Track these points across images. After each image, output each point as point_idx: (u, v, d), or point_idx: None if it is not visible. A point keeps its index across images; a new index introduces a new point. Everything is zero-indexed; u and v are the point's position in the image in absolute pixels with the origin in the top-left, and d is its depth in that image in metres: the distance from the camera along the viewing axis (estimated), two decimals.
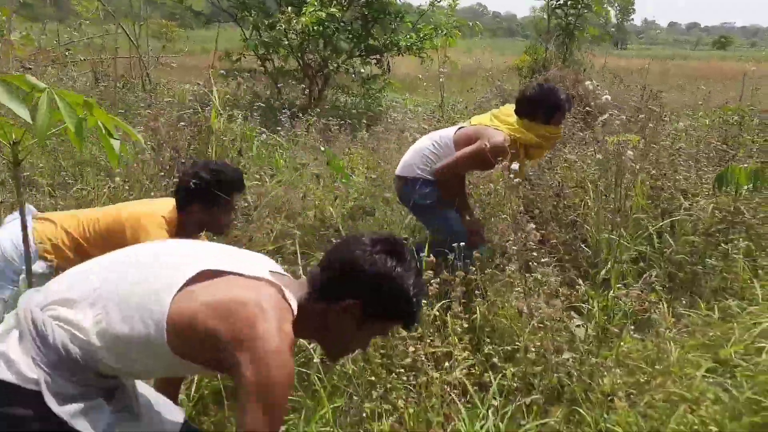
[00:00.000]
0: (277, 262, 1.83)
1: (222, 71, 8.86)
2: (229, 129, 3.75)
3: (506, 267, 3.11)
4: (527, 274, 3.16)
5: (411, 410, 2.56)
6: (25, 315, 1.51)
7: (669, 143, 4.42)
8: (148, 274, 1.57)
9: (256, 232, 3.16)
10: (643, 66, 21.94)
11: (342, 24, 8.24)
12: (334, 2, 7.80)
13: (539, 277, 3.05)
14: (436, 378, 2.68)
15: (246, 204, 3.35)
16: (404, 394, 2.61)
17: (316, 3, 7.38)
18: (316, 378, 2.63)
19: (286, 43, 7.60)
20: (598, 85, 6.77)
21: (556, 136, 3.80)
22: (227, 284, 1.54)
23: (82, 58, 10.20)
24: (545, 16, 9.12)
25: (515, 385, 2.66)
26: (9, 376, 1.45)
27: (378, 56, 9.07)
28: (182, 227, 2.93)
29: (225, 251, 1.74)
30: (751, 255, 3.66)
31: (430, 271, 2.86)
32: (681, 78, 16.47)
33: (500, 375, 2.71)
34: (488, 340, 3.01)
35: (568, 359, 2.79)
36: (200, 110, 3.84)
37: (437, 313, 2.94)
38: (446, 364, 2.77)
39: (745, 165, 3.97)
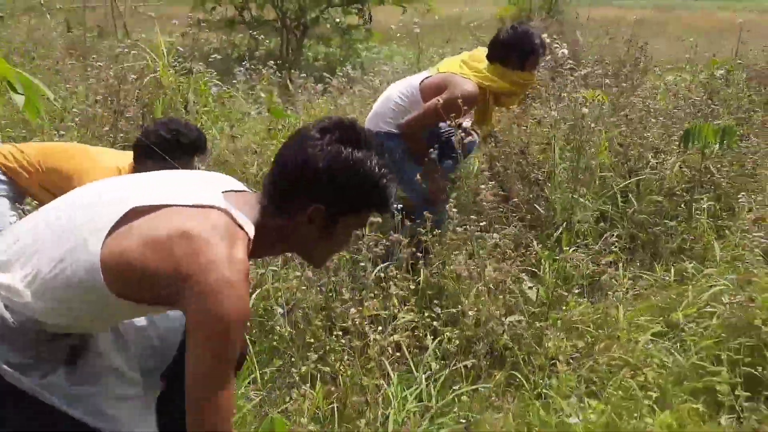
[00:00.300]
0: None
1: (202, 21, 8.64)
2: (180, 83, 3.60)
3: (457, 228, 3.01)
4: (486, 234, 3.08)
5: (349, 373, 2.51)
6: None
7: (640, 99, 4.27)
8: (77, 217, 1.42)
9: None
10: (639, 17, 21.50)
11: None
12: None
13: (488, 238, 2.97)
14: (377, 340, 2.62)
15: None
16: (342, 357, 2.55)
17: None
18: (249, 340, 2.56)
19: None
20: (580, 37, 6.60)
21: (529, 82, 3.65)
22: (166, 217, 1.37)
23: (59, 7, 9.94)
24: None
25: (454, 349, 2.59)
26: None
27: (359, 6, 8.80)
28: None
29: (169, 180, 1.55)
30: (716, 216, 3.57)
31: None
32: (679, 29, 16.10)
33: (440, 339, 2.64)
34: (436, 302, 2.93)
35: (510, 323, 2.73)
36: (151, 63, 3.69)
37: (382, 275, 2.86)
38: (389, 327, 2.71)
39: (719, 122, 3.87)
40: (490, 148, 4.01)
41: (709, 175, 3.70)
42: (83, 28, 8.10)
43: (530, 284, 3.02)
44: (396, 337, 2.58)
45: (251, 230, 1.44)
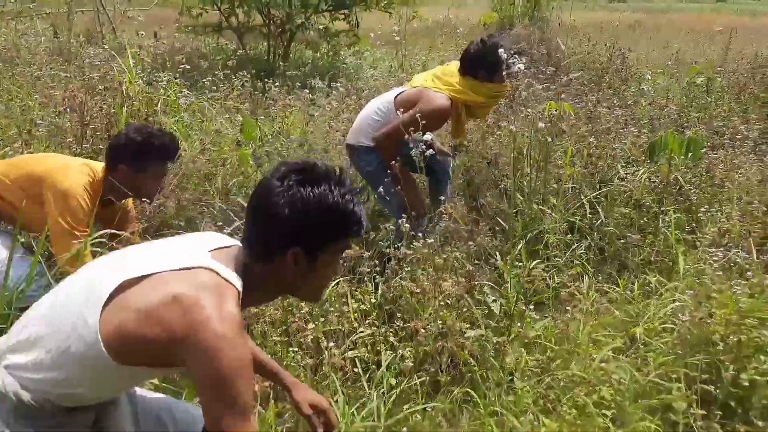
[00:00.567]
0: None
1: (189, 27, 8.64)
2: (148, 93, 3.59)
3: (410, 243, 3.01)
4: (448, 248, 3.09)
5: None
6: None
7: (607, 109, 4.28)
8: (76, 295, 1.51)
9: (167, 201, 3.05)
10: (632, 21, 21.53)
11: None
12: None
13: (451, 253, 2.97)
14: (335, 356, 2.62)
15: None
16: (297, 374, 2.55)
17: None
18: None
19: None
20: (561, 44, 6.61)
21: (500, 93, 3.71)
22: (156, 285, 1.44)
23: (47, 11, 9.92)
24: None
25: (411, 364, 2.59)
26: None
27: (346, 11, 8.78)
28: (109, 189, 2.86)
29: (158, 248, 1.62)
30: (683, 228, 3.57)
31: None
32: (671, 33, 16.12)
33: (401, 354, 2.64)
34: (399, 316, 2.93)
35: (470, 337, 2.73)
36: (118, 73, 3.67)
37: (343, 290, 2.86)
38: (347, 342, 2.71)
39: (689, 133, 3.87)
40: (462, 159, 4.02)
41: (678, 187, 3.70)
42: (69, 33, 8.04)
43: (493, 297, 3.01)
44: (352, 352, 2.58)
45: (239, 283, 1.50)
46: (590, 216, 3.63)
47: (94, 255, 2.63)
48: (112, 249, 2.52)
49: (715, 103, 6.04)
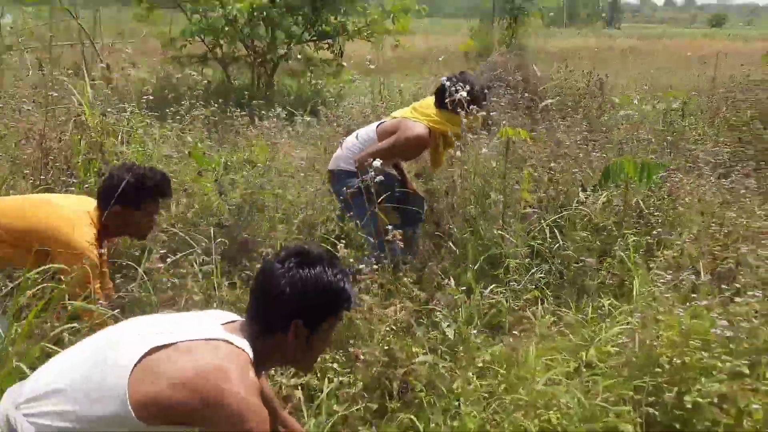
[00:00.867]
0: None
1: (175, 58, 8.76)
2: (105, 124, 3.64)
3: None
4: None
5: None
6: (1, 411, 1.64)
7: (564, 135, 4.33)
8: (104, 355, 1.67)
9: None
10: (621, 48, 21.72)
11: (288, 9, 8.08)
12: None
13: (402, 278, 2.98)
14: (282, 384, 2.63)
15: None
16: None
17: None
18: None
19: (226, 29, 7.46)
20: (537, 70, 6.68)
21: (473, 124, 3.79)
22: (183, 354, 1.64)
23: (34, 46, 10.04)
24: None
25: (353, 391, 2.58)
26: None
27: (330, 41, 8.92)
28: (104, 232, 2.87)
29: (173, 319, 1.84)
30: (639, 250, 3.57)
31: None
32: (661, 59, 16.27)
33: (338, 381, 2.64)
34: (352, 342, 2.93)
35: (419, 363, 2.73)
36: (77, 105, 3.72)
37: None
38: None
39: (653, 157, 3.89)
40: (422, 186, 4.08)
41: (638, 210, 3.72)
42: (53, 66, 8.15)
43: (447, 323, 3.02)
44: (294, 380, 2.58)
45: (251, 353, 1.72)
46: (550, 240, 3.64)
47: None
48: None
49: (688, 127, 6.09)
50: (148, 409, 1.58)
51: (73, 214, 2.78)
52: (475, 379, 2.79)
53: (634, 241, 3.45)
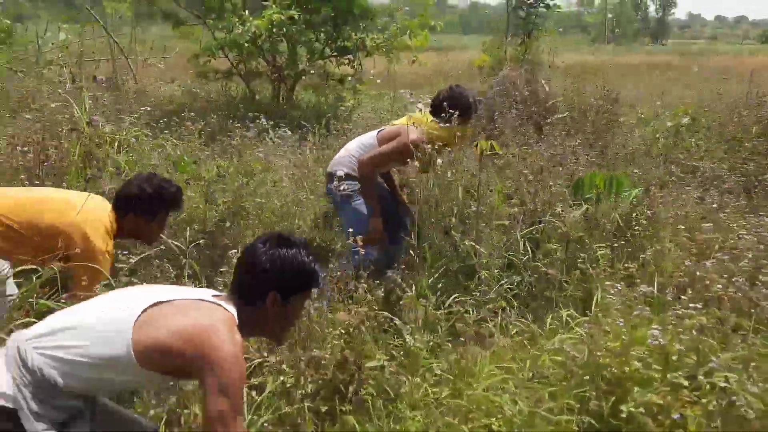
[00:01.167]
0: None
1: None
2: (102, 134, 3.86)
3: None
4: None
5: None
6: (11, 345, 1.87)
7: (542, 148, 4.38)
8: (113, 305, 1.98)
9: None
10: (656, 63, 21.39)
11: (308, 26, 8.29)
12: (295, 5, 7.84)
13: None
14: None
15: None
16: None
17: (274, 6, 7.45)
18: None
19: (246, 45, 7.69)
20: (545, 85, 6.72)
21: (466, 133, 4.15)
22: (183, 311, 1.95)
23: (74, 60, 10.49)
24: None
25: (300, 391, 2.68)
26: None
27: (350, 57, 9.08)
28: (118, 233, 3.06)
29: (172, 287, 2.18)
30: (603, 262, 3.58)
31: None
32: (692, 75, 16.03)
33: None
34: (315, 345, 3.03)
35: (369, 368, 2.81)
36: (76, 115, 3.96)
37: None
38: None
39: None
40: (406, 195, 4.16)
41: (615, 223, 3.74)
42: (85, 80, 8.54)
43: (408, 331, 3.09)
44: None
45: (237, 319, 2.02)
46: (523, 252, 3.69)
47: None
48: None
49: (694, 142, 6.06)
50: (147, 353, 1.85)
51: (93, 218, 2.93)
52: (425, 385, 2.87)
53: (602, 253, 3.47)
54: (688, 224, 3.73)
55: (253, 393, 2.73)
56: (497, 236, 3.80)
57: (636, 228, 3.79)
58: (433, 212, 4.07)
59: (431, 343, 3.06)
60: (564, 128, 6.08)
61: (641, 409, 2.41)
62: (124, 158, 3.85)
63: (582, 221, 3.60)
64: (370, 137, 4.09)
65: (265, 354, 2.92)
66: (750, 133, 5.65)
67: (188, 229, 3.63)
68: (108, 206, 3.08)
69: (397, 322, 3.07)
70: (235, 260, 2.31)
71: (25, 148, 3.66)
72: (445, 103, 3.94)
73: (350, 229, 3.35)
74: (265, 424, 2.60)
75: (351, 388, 2.83)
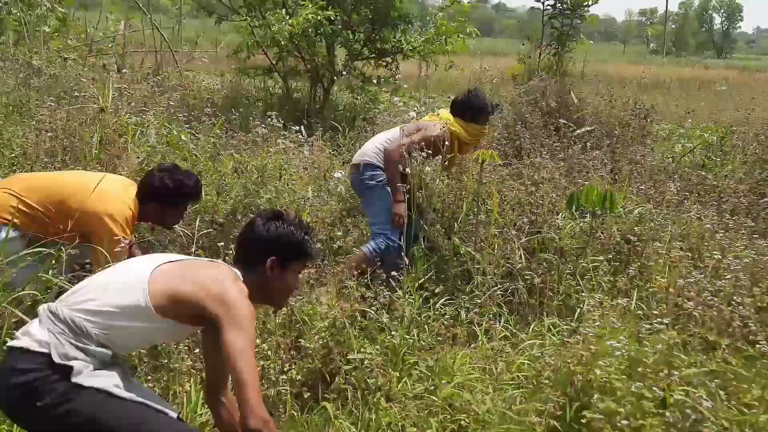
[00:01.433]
0: None
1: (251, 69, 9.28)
2: (124, 121, 4.12)
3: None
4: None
5: None
6: (43, 308, 2.10)
7: (539, 161, 4.49)
8: (131, 267, 2.27)
9: None
10: (709, 78, 20.93)
11: (347, 27, 8.46)
12: (332, 5, 8.02)
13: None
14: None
15: None
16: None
17: (310, 6, 7.63)
18: None
19: (282, 43, 7.90)
20: (574, 97, 6.75)
21: (482, 133, 4.54)
22: (196, 266, 2.27)
23: (125, 50, 10.91)
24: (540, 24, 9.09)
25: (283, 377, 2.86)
26: (30, 344, 1.99)
27: (389, 59, 9.21)
28: (139, 216, 3.35)
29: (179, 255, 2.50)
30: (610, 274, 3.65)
31: None
32: (746, 92, 15.66)
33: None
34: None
35: (352, 359, 2.97)
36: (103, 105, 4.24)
37: None
38: None
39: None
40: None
41: (611, 237, 3.80)
42: (133, 69, 8.89)
43: (392, 327, 3.24)
44: None
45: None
46: (520, 261, 3.79)
47: None
48: None
49: (720, 162, 6.03)
50: (164, 301, 2.08)
51: (121, 206, 3.22)
52: (405, 379, 3.01)
53: (594, 266, 3.55)
54: (687, 243, 3.77)
55: None
56: (498, 244, 3.92)
57: (635, 243, 3.86)
58: (439, 218, 4.20)
59: (413, 341, 3.18)
60: (588, 141, 6.13)
61: (600, 416, 2.51)
62: (143, 148, 4.10)
63: (578, 234, 3.67)
64: (395, 131, 4.35)
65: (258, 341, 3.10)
66: None
67: (198, 219, 3.86)
68: (133, 191, 3.33)
69: (386, 319, 3.21)
70: None
71: (50, 134, 3.94)
72: (463, 104, 4.35)
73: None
74: None
75: (337, 379, 3.00)
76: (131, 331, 2.11)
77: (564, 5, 8.48)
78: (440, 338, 3.30)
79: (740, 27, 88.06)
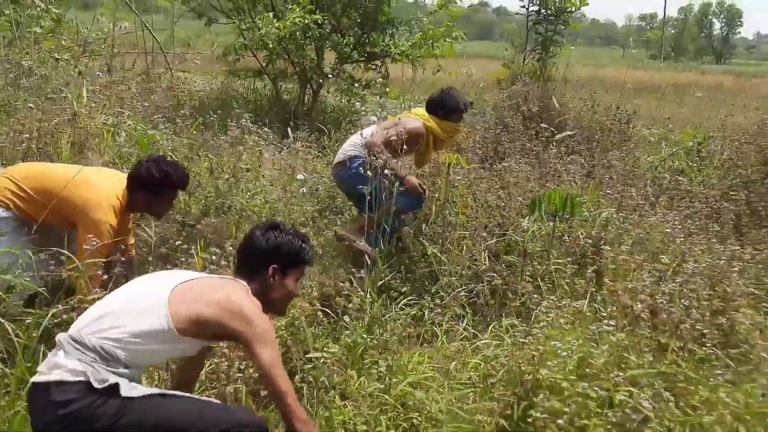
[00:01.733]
0: None
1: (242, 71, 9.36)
2: (99, 123, 4.20)
3: None
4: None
5: None
6: (64, 338, 2.14)
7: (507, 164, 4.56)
8: (145, 288, 2.35)
9: None
10: (704, 84, 20.97)
11: (335, 30, 8.53)
12: (321, 9, 8.09)
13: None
14: None
15: None
16: None
17: (298, 9, 7.70)
18: None
19: (270, 46, 7.97)
20: (556, 101, 6.81)
21: (455, 131, 4.66)
22: (212, 286, 2.34)
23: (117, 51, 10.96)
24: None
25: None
26: (64, 376, 2.06)
27: (378, 62, 9.27)
28: (129, 205, 3.48)
29: (188, 271, 2.55)
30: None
31: None
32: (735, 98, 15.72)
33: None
34: None
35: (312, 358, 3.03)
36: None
37: None
38: None
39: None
40: None
41: (575, 240, 3.86)
42: (124, 71, 8.96)
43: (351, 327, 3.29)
44: None
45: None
46: (485, 262, 3.85)
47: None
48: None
49: (697, 167, 6.09)
50: (186, 324, 2.19)
51: (105, 194, 3.35)
52: (363, 378, 3.06)
53: (555, 268, 3.60)
54: (646, 247, 3.83)
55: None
56: (466, 245, 3.98)
57: (600, 247, 3.92)
58: (409, 219, 4.26)
59: (374, 341, 3.23)
60: (569, 145, 6.20)
61: (545, 415, 2.56)
62: (107, 146, 4.18)
63: (541, 237, 3.73)
64: (371, 128, 4.47)
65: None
66: (749, 160, 5.66)
67: (171, 219, 3.92)
68: (123, 184, 3.46)
69: (347, 318, 3.27)
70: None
71: (26, 135, 4.03)
72: (437, 102, 4.51)
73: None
74: None
75: (297, 377, 3.06)
76: (155, 353, 2.23)
77: (548, 11, 8.58)
78: (403, 337, 3.35)
79: (740, 33, 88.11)
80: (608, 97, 7.89)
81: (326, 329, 3.36)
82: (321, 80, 9.02)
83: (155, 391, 2.19)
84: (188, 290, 2.28)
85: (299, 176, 3.42)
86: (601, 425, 2.52)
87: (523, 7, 9.11)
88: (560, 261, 3.66)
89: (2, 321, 2.77)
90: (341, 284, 3.40)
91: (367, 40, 8.91)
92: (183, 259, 3.31)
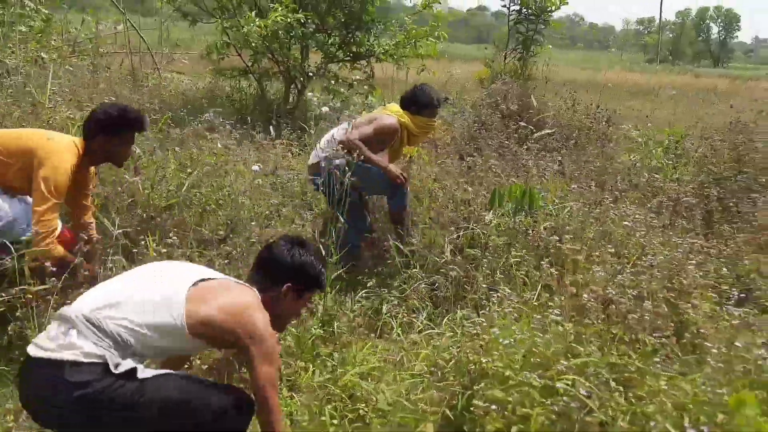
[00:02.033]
0: None
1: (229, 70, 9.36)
2: (63, 116, 4.22)
3: None
4: None
5: None
6: (77, 316, 2.14)
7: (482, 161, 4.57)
8: (160, 279, 2.32)
9: None
10: (699, 86, 20.98)
11: (319, 30, 8.53)
12: (304, 8, 8.10)
13: None
14: None
15: None
16: None
17: (280, 8, 7.71)
18: None
19: (254, 44, 7.97)
20: (535, 100, 6.82)
21: (429, 126, 4.70)
22: (228, 290, 2.35)
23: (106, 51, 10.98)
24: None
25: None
26: (80, 357, 2.07)
27: (363, 61, 9.28)
28: (88, 160, 3.48)
29: (202, 267, 2.54)
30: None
31: None
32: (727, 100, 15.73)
33: None
34: None
35: None
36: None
37: None
38: None
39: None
40: None
41: (537, 233, 3.86)
42: (109, 69, 8.97)
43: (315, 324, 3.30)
44: None
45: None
46: (447, 256, 3.85)
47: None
48: None
49: (673, 165, 6.09)
50: (198, 325, 2.19)
51: (61, 141, 3.37)
52: (312, 369, 3.06)
53: (514, 261, 3.60)
54: (607, 240, 3.83)
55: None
56: (430, 238, 3.98)
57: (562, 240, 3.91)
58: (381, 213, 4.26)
59: (328, 333, 3.23)
60: (546, 143, 6.20)
61: (487, 404, 2.55)
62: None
63: (502, 230, 3.73)
64: (342, 128, 4.47)
65: None
66: (722, 158, 5.66)
67: (131, 213, 3.91)
68: (80, 140, 3.44)
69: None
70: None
71: None
72: (411, 98, 4.57)
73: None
74: None
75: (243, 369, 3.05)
76: (164, 347, 2.25)
77: (529, 10, 8.59)
78: (353, 329, 3.35)
79: (737, 37, 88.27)
80: (589, 97, 7.88)
81: None
82: (303, 79, 9.02)
83: (160, 371, 2.21)
84: (209, 290, 2.30)
85: (254, 167, 3.42)
86: (543, 414, 2.52)
87: (504, 6, 9.16)
88: (519, 254, 3.66)
89: None
90: None
91: (352, 40, 8.91)
92: (136, 250, 3.29)
